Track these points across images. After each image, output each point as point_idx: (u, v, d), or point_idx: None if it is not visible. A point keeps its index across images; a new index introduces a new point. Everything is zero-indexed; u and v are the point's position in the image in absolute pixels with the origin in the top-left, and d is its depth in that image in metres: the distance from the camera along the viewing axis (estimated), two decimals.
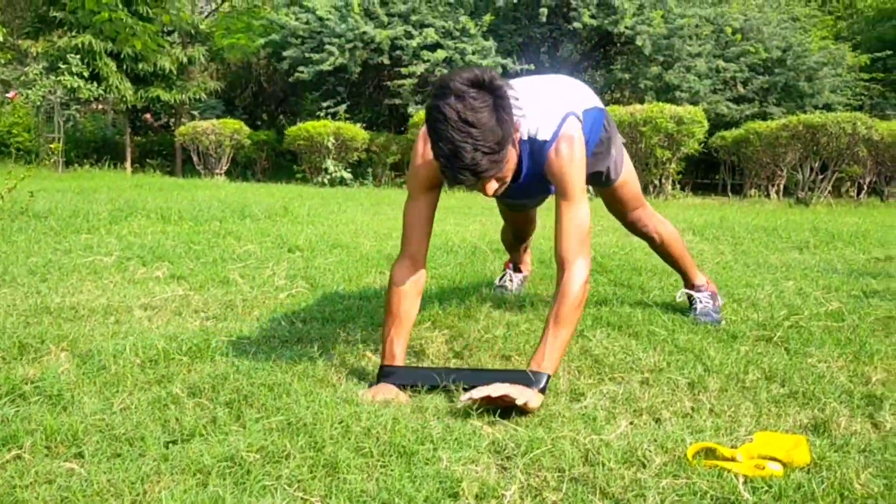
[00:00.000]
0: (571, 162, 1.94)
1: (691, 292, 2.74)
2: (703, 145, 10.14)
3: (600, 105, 2.32)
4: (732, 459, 1.47)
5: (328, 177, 11.87)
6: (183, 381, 1.91)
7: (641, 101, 11.37)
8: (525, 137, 1.97)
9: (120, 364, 2.03)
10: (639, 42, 11.61)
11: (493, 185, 1.85)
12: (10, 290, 3.01)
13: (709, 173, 13.26)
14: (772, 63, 12.39)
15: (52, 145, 8.26)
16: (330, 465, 1.42)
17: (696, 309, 2.68)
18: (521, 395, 1.69)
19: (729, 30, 12.07)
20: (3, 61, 13.94)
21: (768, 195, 10.28)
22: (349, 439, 1.52)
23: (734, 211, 7.86)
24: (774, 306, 2.83)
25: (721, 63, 11.92)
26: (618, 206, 2.66)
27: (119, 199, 6.36)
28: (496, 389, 1.68)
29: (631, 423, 1.70)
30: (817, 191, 9.79)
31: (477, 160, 1.70)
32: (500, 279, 3.20)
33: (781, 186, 10.31)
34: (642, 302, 2.90)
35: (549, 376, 1.80)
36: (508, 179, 1.90)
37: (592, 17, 11.95)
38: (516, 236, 3.06)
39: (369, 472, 1.42)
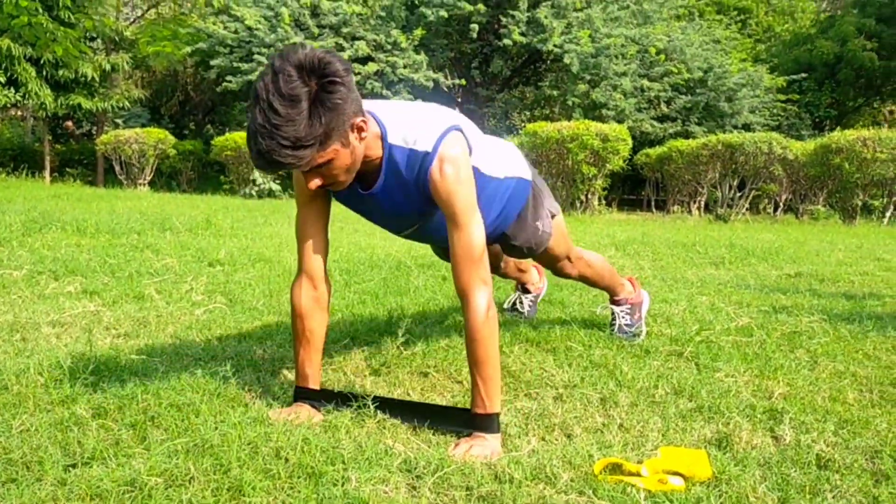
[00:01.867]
0: (458, 182, 1.75)
1: (612, 307, 2.75)
2: (628, 162, 10.41)
3: (527, 175, 2.26)
4: (637, 474, 1.51)
5: (256, 188, 11.71)
6: (88, 402, 1.84)
7: (570, 118, 11.61)
8: (397, 143, 1.78)
9: (23, 384, 1.95)
10: (567, 60, 11.86)
11: (315, 181, 1.68)
12: None
13: (634, 189, 13.62)
14: (694, 83, 12.85)
15: None
16: (235, 489, 1.39)
17: (613, 325, 2.72)
18: (483, 451, 1.63)
19: (653, 50, 12.45)
20: None
21: (690, 211, 10.62)
22: (257, 461, 1.50)
23: (657, 227, 8.08)
24: (687, 321, 2.91)
25: (646, 82, 12.28)
26: (544, 262, 2.55)
27: (34, 210, 6.13)
28: (463, 454, 1.61)
29: (542, 440, 1.73)
30: (735, 208, 10.15)
31: (271, 149, 1.54)
32: (510, 303, 3.06)
33: (702, 203, 10.66)
34: (561, 317, 2.95)
35: (497, 415, 1.72)
36: (344, 180, 1.73)
37: (522, 34, 12.17)
38: (497, 274, 2.83)
39: (275, 495, 1.39)
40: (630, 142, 9.93)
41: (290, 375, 2.18)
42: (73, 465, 1.48)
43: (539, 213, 2.35)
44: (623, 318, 2.72)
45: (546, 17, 12.06)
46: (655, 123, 12.40)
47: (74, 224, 5.20)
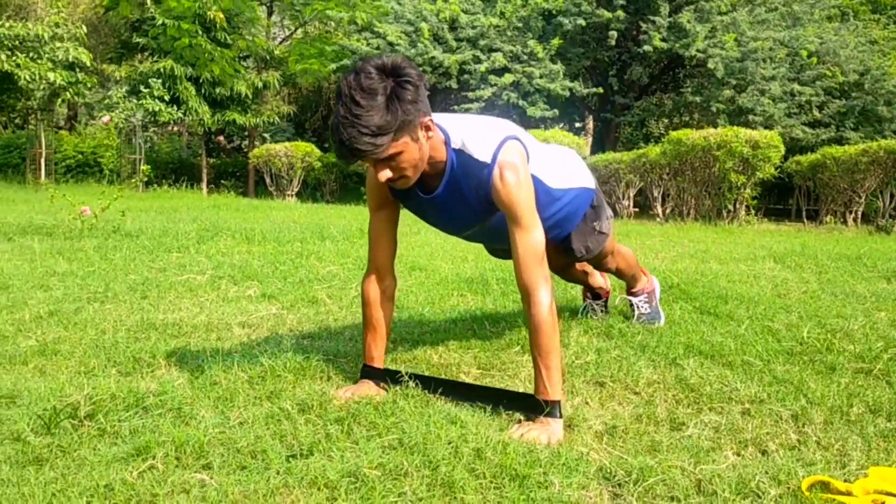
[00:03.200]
0: (519, 187, 1.91)
1: (630, 298, 2.99)
2: (777, 170, 9.94)
3: (591, 185, 2.46)
4: (848, 494, 1.46)
5: None
6: (291, 398, 1.98)
7: (713, 125, 11.23)
8: (458, 147, 1.94)
9: (230, 380, 2.12)
10: (711, 65, 11.48)
11: (385, 173, 1.83)
12: (113, 306, 3.16)
13: (781, 199, 12.98)
14: (849, 87, 12.11)
15: (143, 167, 8.62)
16: (447, 485, 1.46)
17: (633, 315, 2.98)
18: (542, 433, 1.75)
19: (804, 53, 11.85)
20: (88, 85, 14.58)
21: (845, 222, 10.01)
22: (461, 460, 1.57)
23: (813, 238, 7.67)
24: (870, 338, 2.77)
25: (796, 86, 11.70)
26: (590, 259, 2.72)
27: (202, 219, 6.60)
28: (520, 435, 1.75)
29: (738, 455, 1.70)
30: None
31: (352, 137, 1.71)
32: (584, 311, 3.16)
33: (859, 213, 10.02)
34: (732, 331, 2.88)
35: (559, 402, 1.85)
36: (411, 175, 1.88)
37: (663, 40, 11.89)
38: (564, 278, 3.05)
39: (484, 494, 1.45)
40: (782, 148, 9.48)
41: (469, 378, 2.25)
42: (294, 456, 1.60)
43: (600, 216, 2.57)
44: (642, 307, 2.96)
45: (689, 22, 11.73)
46: (807, 129, 11.76)
47: (242, 232, 5.55)
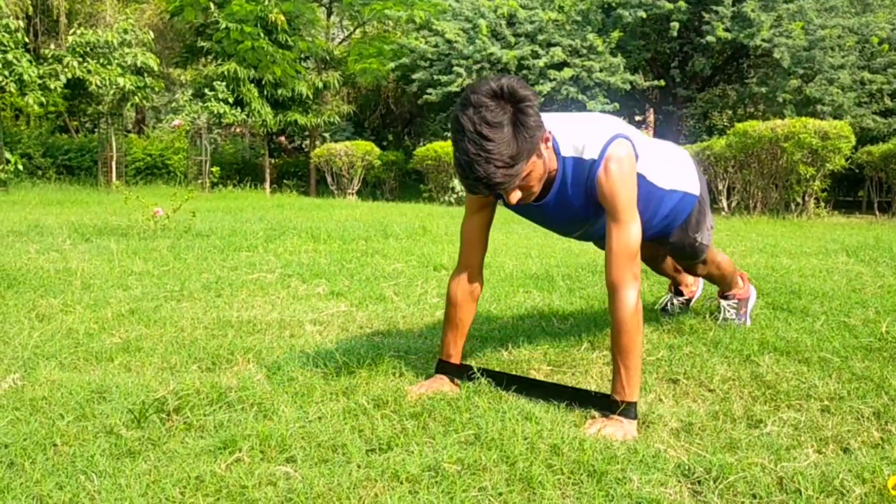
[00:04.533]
0: (622, 181, 1.90)
1: (720, 300, 2.89)
2: (848, 161, 9.64)
3: (695, 191, 2.41)
4: None
5: (455, 195, 12.07)
6: (366, 394, 2.02)
7: (779, 116, 10.95)
8: (568, 154, 1.95)
9: (306, 376, 2.18)
10: (777, 55, 11.21)
11: (516, 195, 1.84)
12: (189, 304, 3.26)
13: (851, 190, 12.58)
14: None
15: (212, 168, 8.87)
16: (525, 480, 1.48)
17: (718, 317, 2.88)
18: (616, 431, 1.76)
19: (875, 39, 11.45)
20: (156, 89, 15.02)
21: None
22: (538, 456, 1.58)
23: (887, 231, 7.42)
24: None
25: (866, 75, 11.33)
26: (686, 265, 2.72)
27: (267, 218, 6.75)
28: (596, 431, 1.76)
29: (819, 452, 1.68)
30: None
31: (490, 173, 1.70)
32: (662, 303, 3.14)
33: None
34: (807, 327, 2.82)
35: (635, 404, 1.84)
36: (536, 190, 1.90)
37: (727, 30, 11.65)
38: (654, 269, 3.05)
39: (563, 490, 1.46)
40: (852, 139, 9.18)
41: (539, 375, 2.26)
42: (373, 450, 1.64)
43: (701, 226, 2.51)
44: (728, 311, 2.85)
45: (753, 11, 11.47)
46: (878, 118, 11.37)
47: (308, 231, 5.66)
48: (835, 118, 10.43)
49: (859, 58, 11.63)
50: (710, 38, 11.78)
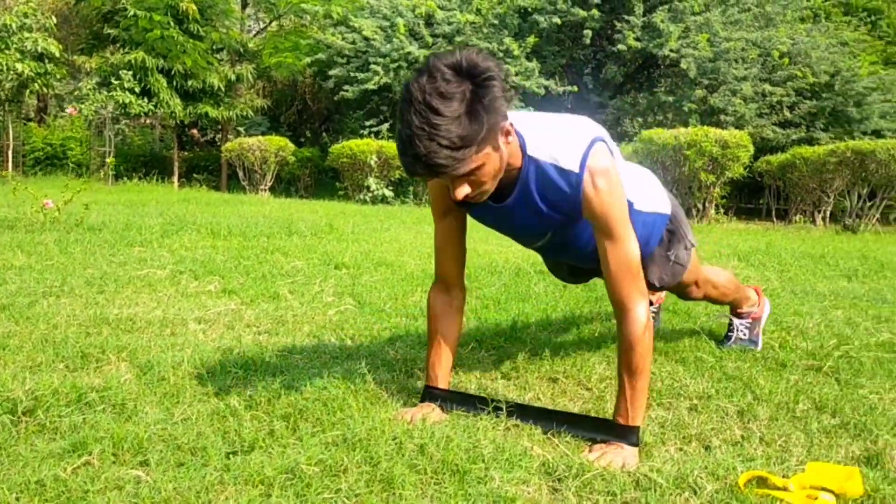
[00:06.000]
0: (612, 195, 1.71)
1: (733, 318, 2.69)
2: (747, 169, 10.04)
3: (666, 210, 2.19)
4: (784, 489, 1.47)
5: (370, 194, 11.99)
6: (239, 395, 1.96)
7: (685, 124, 11.31)
8: (536, 156, 1.73)
9: (178, 376, 2.10)
10: (683, 65, 11.57)
11: (463, 189, 1.61)
12: (69, 301, 3.11)
13: (752, 198, 13.11)
14: (819, 88, 12.25)
15: (108, 160, 8.51)
16: (386, 481, 1.45)
17: (730, 337, 2.68)
18: (617, 459, 1.61)
19: (776, 53, 11.96)
20: (58, 76, 14.36)
21: (814, 221, 10.13)
22: (403, 456, 1.56)
23: (780, 237, 7.76)
24: (823, 335, 2.81)
25: (767, 87, 11.82)
26: (671, 289, 2.42)
27: (169, 213, 6.53)
28: (598, 458, 1.63)
29: (680, 450, 1.71)
30: (865, 218, 9.61)
31: (430, 150, 1.49)
32: None
33: (828, 213, 10.15)
34: (689, 328, 2.90)
35: (638, 428, 1.72)
36: (489, 188, 1.67)
37: (637, 39, 11.96)
38: None
39: (423, 489, 1.45)
40: (751, 148, 9.57)
41: (422, 378, 2.25)
42: (234, 453, 1.59)
43: (675, 247, 2.26)
44: (741, 331, 2.67)
45: (662, 22, 11.81)
46: (777, 129, 11.89)
47: (208, 227, 5.50)
48: (737, 128, 10.84)
49: (761, 70, 12.12)
50: (621, 47, 12.07)
